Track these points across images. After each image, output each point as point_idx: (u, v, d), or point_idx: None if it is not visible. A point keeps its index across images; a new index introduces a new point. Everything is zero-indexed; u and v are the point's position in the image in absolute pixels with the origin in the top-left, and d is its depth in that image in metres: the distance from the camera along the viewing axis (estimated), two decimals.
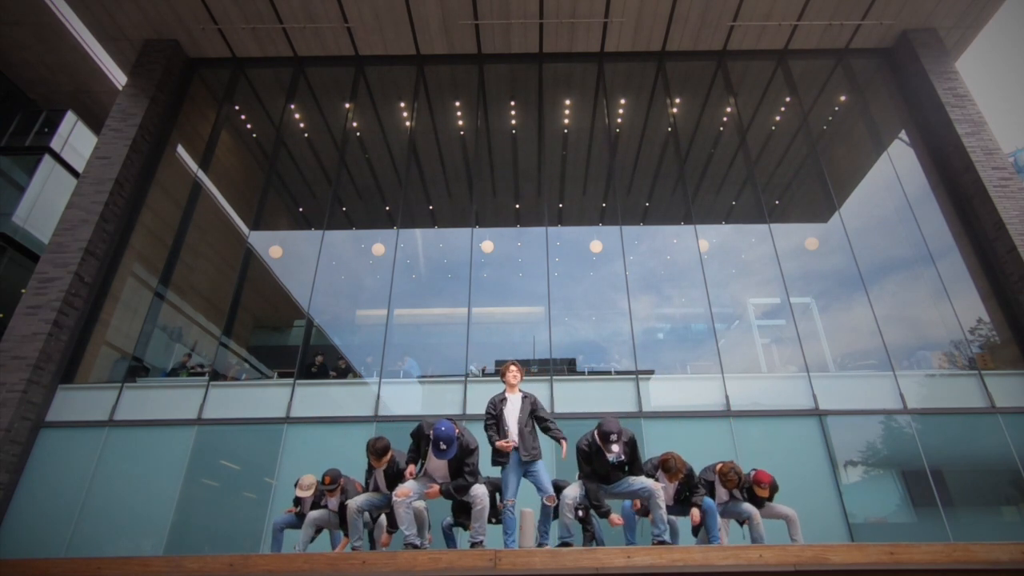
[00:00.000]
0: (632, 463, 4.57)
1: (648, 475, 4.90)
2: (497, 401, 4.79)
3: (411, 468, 4.55)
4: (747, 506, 5.15)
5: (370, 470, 4.97)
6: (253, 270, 9.92)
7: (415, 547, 4.27)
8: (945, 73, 10.45)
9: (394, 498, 4.33)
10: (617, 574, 3.69)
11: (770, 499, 5.37)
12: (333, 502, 5.32)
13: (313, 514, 5.31)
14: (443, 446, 4.22)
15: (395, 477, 4.74)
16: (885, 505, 7.74)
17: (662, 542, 4.25)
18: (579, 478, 4.64)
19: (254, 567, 3.80)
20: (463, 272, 9.50)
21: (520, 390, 4.89)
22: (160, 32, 10.64)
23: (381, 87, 11.64)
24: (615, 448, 4.28)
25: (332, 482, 5.19)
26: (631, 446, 4.51)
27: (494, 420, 4.67)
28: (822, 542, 4.17)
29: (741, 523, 5.25)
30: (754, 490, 5.22)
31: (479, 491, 4.42)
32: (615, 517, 4.64)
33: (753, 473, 5.27)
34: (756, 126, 11.66)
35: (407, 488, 4.37)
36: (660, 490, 4.42)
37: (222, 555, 3.84)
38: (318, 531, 5.45)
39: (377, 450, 4.71)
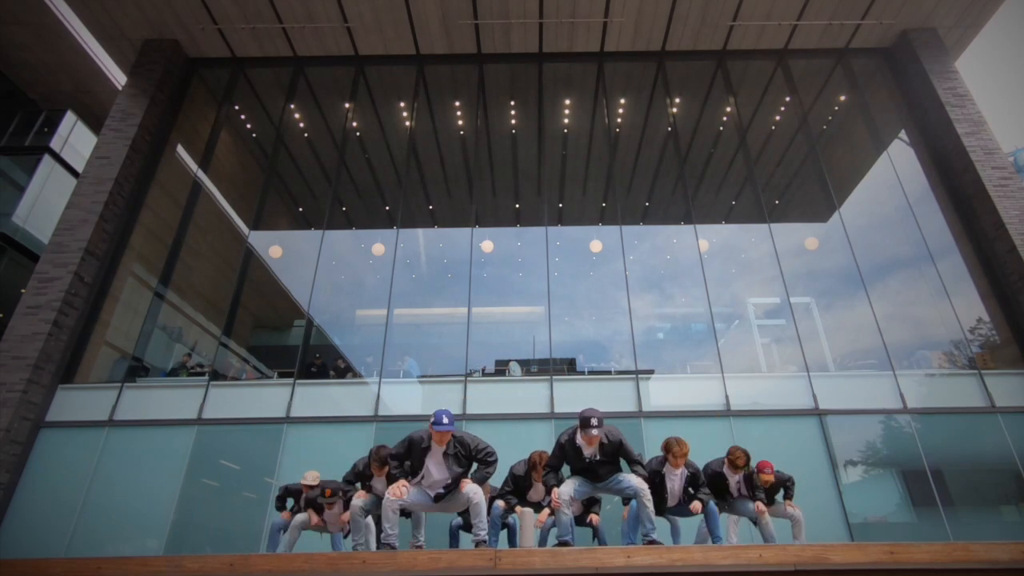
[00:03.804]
0: (623, 458, 4.48)
1: (655, 471, 4.90)
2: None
3: (402, 482, 4.28)
4: (753, 507, 5.15)
5: (366, 478, 4.99)
6: (253, 270, 9.92)
7: (391, 547, 4.18)
8: (945, 73, 10.45)
9: (386, 496, 4.27)
10: (617, 574, 3.69)
11: (776, 488, 5.43)
12: (331, 514, 5.35)
13: (300, 517, 5.36)
14: (445, 420, 4.13)
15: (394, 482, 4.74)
16: (885, 505, 7.74)
17: (652, 541, 4.24)
18: (571, 474, 4.64)
19: (254, 567, 3.80)
20: (463, 272, 9.50)
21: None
22: (160, 32, 10.63)
23: (381, 87, 11.64)
24: (595, 432, 4.22)
25: (332, 495, 5.25)
26: (616, 447, 4.38)
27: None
28: (822, 542, 4.17)
29: (754, 522, 5.25)
30: (759, 480, 5.26)
31: (474, 487, 4.37)
32: (594, 517, 4.78)
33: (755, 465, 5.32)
34: (756, 126, 11.66)
35: (402, 491, 4.23)
36: (647, 490, 4.38)
37: (222, 555, 3.83)
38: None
39: (381, 458, 4.73)
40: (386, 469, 4.75)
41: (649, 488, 4.48)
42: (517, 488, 5.21)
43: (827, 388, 8.28)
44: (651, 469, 4.89)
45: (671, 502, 4.99)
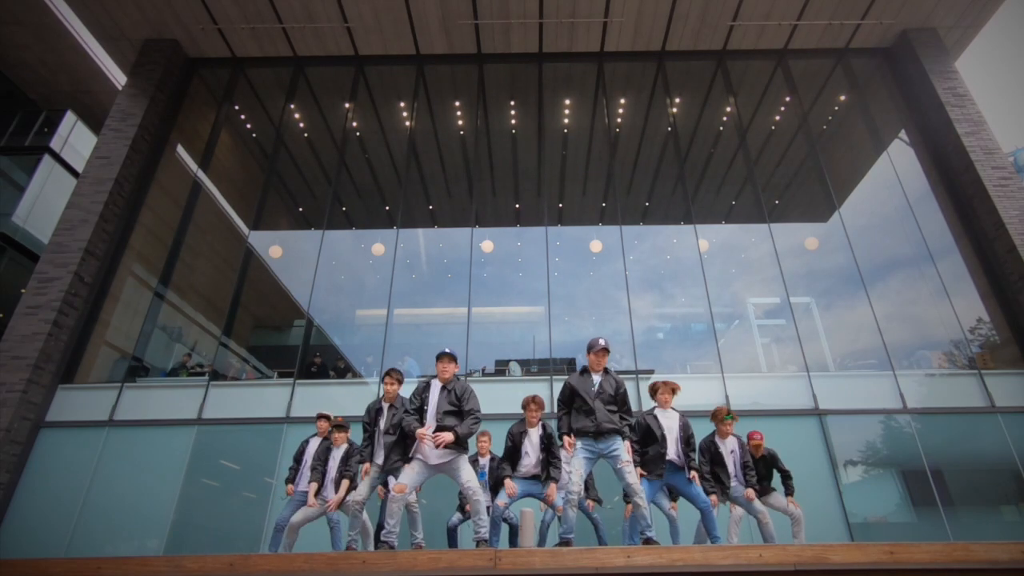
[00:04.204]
0: (621, 408, 4.63)
1: (645, 424, 4.99)
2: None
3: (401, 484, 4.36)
4: (751, 503, 5.17)
5: (376, 412, 5.03)
6: (253, 270, 9.92)
7: (389, 547, 4.19)
8: (945, 73, 10.45)
9: (391, 494, 4.28)
10: (617, 574, 3.69)
11: (769, 464, 5.57)
12: (337, 452, 5.55)
13: (295, 519, 5.37)
14: (447, 349, 4.63)
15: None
16: (885, 505, 7.74)
17: (648, 539, 4.26)
18: (558, 416, 4.72)
19: (254, 567, 3.80)
20: (463, 272, 9.50)
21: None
22: (160, 32, 10.63)
23: (381, 87, 11.64)
24: (601, 349, 4.63)
25: (343, 421, 5.64)
26: (618, 384, 4.66)
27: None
28: (822, 542, 4.17)
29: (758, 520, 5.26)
30: (750, 448, 5.52)
31: (475, 485, 4.39)
32: (591, 503, 5.14)
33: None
34: (756, 126, 11.66)
35: (402, 484, 4.27)
36: (642, 492, 4.40)
37: (222, 555, 3.84)
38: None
39: (394, 377, 5.03)
40: (397, 388, 5.06)
41: (642, 441, 4.95)
42: (514, 444, 5.23)
43: (827, 388, 8.28)
44: (643, 427, 5.01)
45: (669, 451, 4.93)
